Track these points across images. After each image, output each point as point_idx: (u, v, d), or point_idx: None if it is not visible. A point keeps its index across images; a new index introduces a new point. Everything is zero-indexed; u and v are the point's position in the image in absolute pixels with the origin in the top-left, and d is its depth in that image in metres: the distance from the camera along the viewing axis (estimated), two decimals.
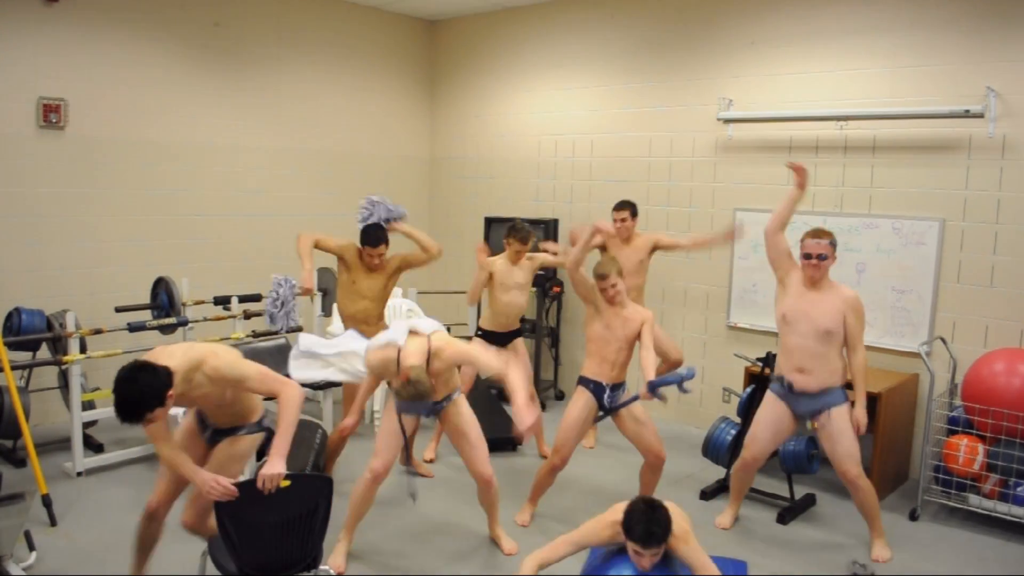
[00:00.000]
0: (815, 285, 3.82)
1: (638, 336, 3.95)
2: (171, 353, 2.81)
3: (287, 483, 2.75)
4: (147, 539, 3.19)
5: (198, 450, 3.12)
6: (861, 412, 3.80)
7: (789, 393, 3.91)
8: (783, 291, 3.93)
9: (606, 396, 4.03)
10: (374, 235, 4.60)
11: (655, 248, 5.15)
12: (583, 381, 4.08)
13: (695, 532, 2.86)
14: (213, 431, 3.15)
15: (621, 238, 5.12)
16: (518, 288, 4.93)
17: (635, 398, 3.95)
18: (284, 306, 4.66)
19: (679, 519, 2.83)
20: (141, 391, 2.57)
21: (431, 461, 5.05)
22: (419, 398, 3.32)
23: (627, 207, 5.12)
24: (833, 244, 3.80)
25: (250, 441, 3.17)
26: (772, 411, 3.98)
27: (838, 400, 3.83)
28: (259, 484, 2.70)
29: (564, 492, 4.52)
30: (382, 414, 3.78)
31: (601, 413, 4.09)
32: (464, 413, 3.74)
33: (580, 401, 4.06)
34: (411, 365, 3.38)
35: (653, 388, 3.72)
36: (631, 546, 2.73)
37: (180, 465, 2.82)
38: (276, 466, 2.74)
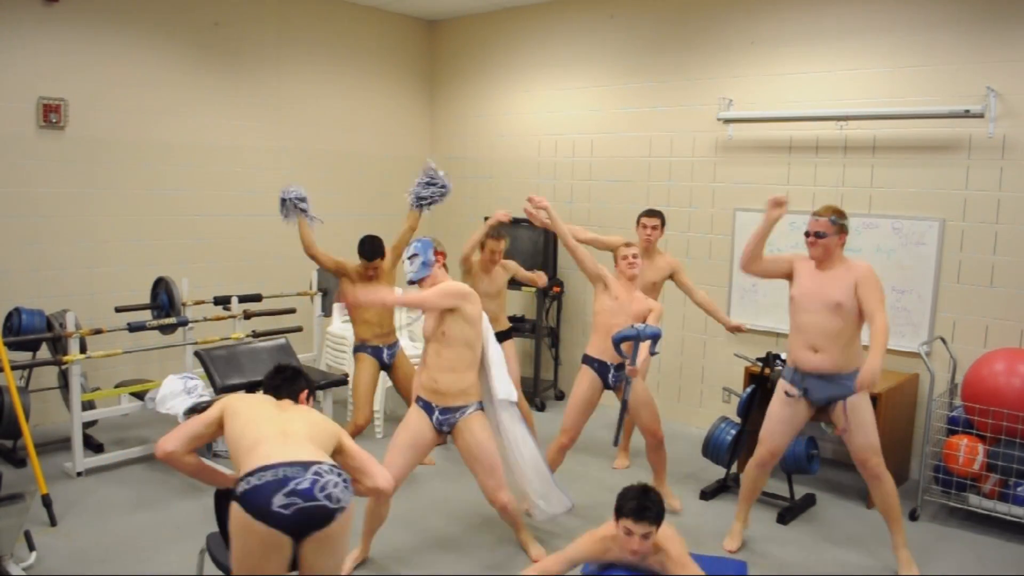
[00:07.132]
0: (823, 265, 3.59)
1: (644, 318, 3.94)
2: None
3: None
4: None
5: None
6: (874, 363, 3.24)
7: (799, 378, 3.66)
8: (793, 283, 3.70)
9: (610, 376, 4.03)
10: (370, 249, 4.57)
11: (671, 276, 4.73)
12: (587, 360, 4.07)
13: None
14: None
15: (644, 246, 4.64)
16: (487, 297, 4.72)
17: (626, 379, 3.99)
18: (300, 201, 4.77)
19: (677, 542, 2.83)
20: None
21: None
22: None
23: (658, 215, 4.71)
24: (834, 222, 3.54)
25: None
26: (784, 401, 3.72)
27: (855, 387, 3.54)
28: None
29: (576, 485, 4.51)
30: (398, 428, 3.57)
31: (622, 404, 4.06)
32: (477, 431, 3.46)
33: (585, 381, 4.04)
34: None
35: (616, 343, 3.74)
36: (622, 524, 2.68)
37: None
38: None
